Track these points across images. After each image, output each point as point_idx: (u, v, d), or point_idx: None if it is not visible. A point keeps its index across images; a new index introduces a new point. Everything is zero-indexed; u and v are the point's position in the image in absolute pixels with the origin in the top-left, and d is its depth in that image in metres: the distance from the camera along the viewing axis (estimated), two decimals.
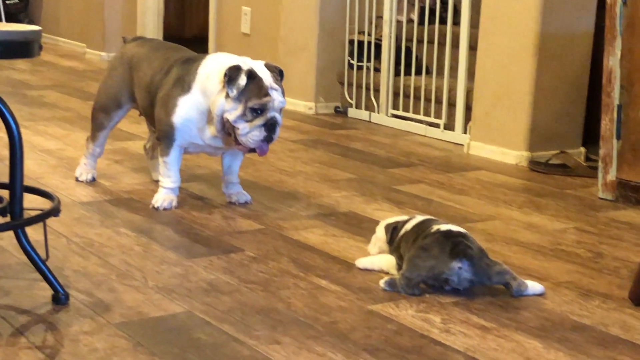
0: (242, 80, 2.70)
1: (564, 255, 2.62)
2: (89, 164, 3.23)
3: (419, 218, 2.37)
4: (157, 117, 2.88)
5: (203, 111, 2.80)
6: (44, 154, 3.64)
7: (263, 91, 2.72)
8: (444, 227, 2.26)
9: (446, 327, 2.05)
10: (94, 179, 3.22)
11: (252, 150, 2.78)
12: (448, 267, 2.18)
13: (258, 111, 2.72)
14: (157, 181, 3.23)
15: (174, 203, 2.92)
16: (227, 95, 2.71)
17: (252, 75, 2.72)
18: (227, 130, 2.78)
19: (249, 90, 2.71)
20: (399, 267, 2.30)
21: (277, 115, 2.75)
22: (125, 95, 3.09)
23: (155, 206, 2.90)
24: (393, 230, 2.37)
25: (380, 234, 2.44)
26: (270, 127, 2.74)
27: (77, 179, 3.21)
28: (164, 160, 2.89)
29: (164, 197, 2.91)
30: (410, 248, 2.26)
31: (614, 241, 2.78)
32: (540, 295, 2.26)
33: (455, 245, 2.18)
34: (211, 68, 2.80)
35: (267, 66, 2.79)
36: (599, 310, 2.20)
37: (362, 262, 2.42)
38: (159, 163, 2.93)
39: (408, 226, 2.34)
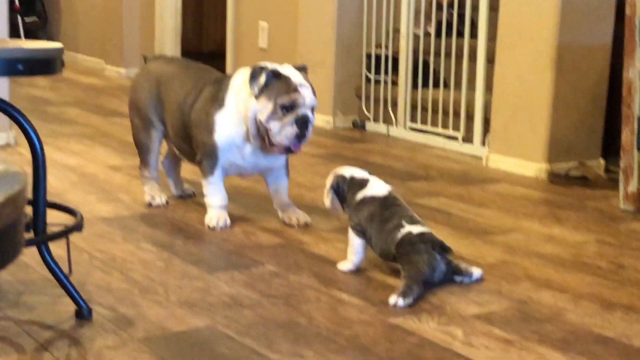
0: (262, 78, 2.71)
1: (585, 268, 2.61)
2: (154, 188, 3.15)
3: (378, 188, 2.49)
4: (198, 139, 2.88)
5: (240, 124, 2.81)
6: (65, 170, 3.67)
7: (292, 88, 2.73)
8: (415, 230, 2.38)
9: (468, 340, 2.05)
10: (167, 202, 3.14)
11: (288, 150, 2.78)
12: (435, 260, 2.35)
13: (288, 108, 2.72)
14: (179, 196, 3.26)
15: (228, 221, 2.88)
16: (256, 97, 2.73)
17: (277, 74, 2.74)
18: (262, 135, 2.79)
19: (277, 87, 2.72)
20: (356, 231, 2.46)
21: (309, 112, 2.75)
22: (154, 114, 3.08)
23: (210, 226, 2.85)
24: (342, 187, 2.52)
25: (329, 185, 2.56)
26: (302, 123, 2.73)
27: (150, 205, 3.12)
28: (209, 181, 2.88)
29: (217, 216, 2.88)
30: (377, 240, 2.42)
31: (635, 252, 2.77)
32: (478, 280, 2.41)
33: (434, 244, 2.36)
34: (240, 79, 2.83)
35: (295, 67, 2.81)
36: (621, 322, 2.19)
37: (344, 266, 2.50)
38: (203, 185, 2.90)
39: (367, 194, 2.47)
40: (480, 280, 2.43)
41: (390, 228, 2.40)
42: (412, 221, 2.42)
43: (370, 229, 2.44)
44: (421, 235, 2.37)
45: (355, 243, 2.48)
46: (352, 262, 2.49)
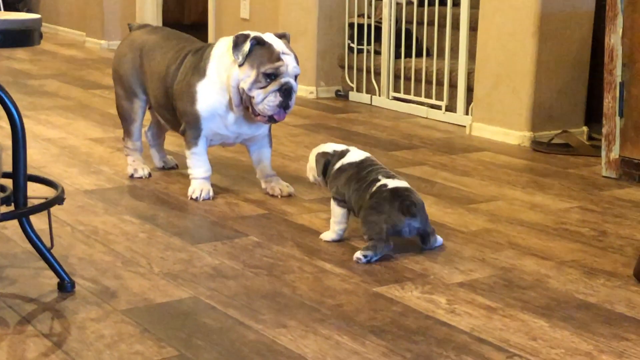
0: (247, 46, 2.69)
1: (568, 235, 2.62)
2: (137, 160, 3.13)
3: (356, 155, 2.50)
4: (181, 110, 2.86)
5: (223, 93, 2.79)
6: (46, 143, 3.64)
7: (275, 56, 2.71)
8: (390, 183, 2.37)
9: (451, 308, 2.06)
10: (150, 175, 3.12)
11: (271, 119, 2.77)
12: (400, 221, 2.34)
13: (272, 76, 2.70)
14: (160, 168, 3.24)
15: (211, 192, 2.88)
16: (240, 65, 2.71)
17: (260, 41, 2.71)
18: (245, 104, 2.77)
19: (261, 55, 2.70)
20: (337, 200, 2.45)
21: (292, 81, 2.73)
22: (137, 84, 3.05)
23: (193, 197, 2.86)
24: (325, 163, 2.51)
25: (312, 163, 2.55)
26: (286, 92, 2.71)
27: (132, 177, 3.10)
28: (193, 152, 2.86)
29: (200, 187, 2.87)
30: (357, 199, 2.40)
31: (617, 219, 2.78)
32: (439, 246, 2.45)
33: (402, 202, 2.34)
34: (222, 48, 2.81)
35: (277, 35, 2.79)
36: (604, 288, 2.20)
37: (327, 236, 2.50)
38: (187, 156, 2.89)
39: (345, 161, 2.48)
40: (440, 247, 2.45)
41: (367, 183, 2.41)
42: (388, 175, 2.42)
43: (349, 191, 2.44)
44: (394, 190, 2.37)
45: (337, 212, 2.48)
46: (335, 232, 2.49)
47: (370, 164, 2.48)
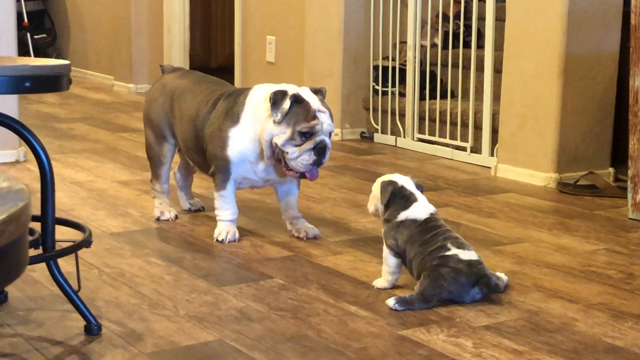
0: (286, 104, 2.70)
1: (595, 277, 2.60)
2: (164, 202, 3.16)
3: (420, 209, 2.40)
4: (211, 153, 2.87)
5: (255, 142, 2.80)
6: (75, 186, 3.68)
7: (311, 114, 2.72)
8: (462, 255, 2.31)
9: (478, 352, 2.04)
10: (176, 217, 3.15)
11: (303, 175, 2.78)
12: (469, 293, 2.32)
13: (307, 135, 2.71)
14: (187, 210, 3.27)
15: (237, 235, 2.90)
16: (275, 120, 2.73)
17: (298, 99, 2.72)
18: (277, 157, 2.78)
19: (297, 113, 2.71)
20: (393, 251, 2.39)
21: (327, 139, 2.74)
22: (166, 128, 3.08)
23: (219, 239, 2.87)
24: (393, 192, 2.43)
25: (376, 192, 2.47)
26: (320, 150, 2.73)
27: (158, 219, 3.12)
28: (221, 194, 2.88)
29: (227, 230, 2.89)
30: (420, 262, 2.33)
31: None
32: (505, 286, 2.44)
33: (479, 277, 2.31)
34: (258, 97, 2.81)
35: (312, 90, 2.80)
36: (632, 331, 2.18)
37: (379, 283, 2.47)
38: (215, 197, 2.91)
39: (409, 216, 2.39)
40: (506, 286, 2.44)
41: (434, 249, 2.33)
42: (459, 245, 2.34)
43: (411, 252, 2.37)
44: (470, 265, 2.30)
45: (391, 263, 2.43)
46: (388, 280, 2.45)
47: (433, 225, 2.39)
